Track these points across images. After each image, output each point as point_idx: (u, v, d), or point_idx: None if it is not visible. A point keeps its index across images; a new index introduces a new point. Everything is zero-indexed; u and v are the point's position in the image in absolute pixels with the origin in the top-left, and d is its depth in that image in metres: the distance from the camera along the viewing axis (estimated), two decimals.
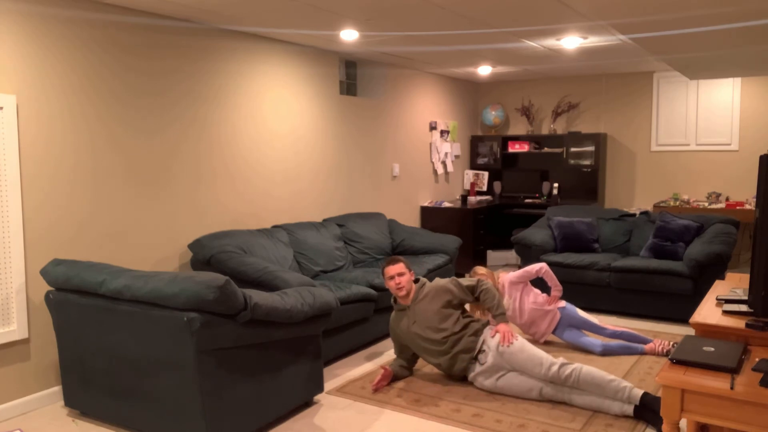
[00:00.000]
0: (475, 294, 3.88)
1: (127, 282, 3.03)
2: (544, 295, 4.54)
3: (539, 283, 5.30)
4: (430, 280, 4.67)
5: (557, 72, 7.39)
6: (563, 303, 4.51)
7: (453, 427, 3.32)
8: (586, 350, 4.41)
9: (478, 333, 3.79)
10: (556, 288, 4.48)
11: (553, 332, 4.50)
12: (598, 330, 4.44)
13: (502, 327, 3.75)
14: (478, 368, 3.75)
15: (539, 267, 4.46)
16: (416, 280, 3.96)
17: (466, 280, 3.91)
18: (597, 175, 7.42)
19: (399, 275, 3.85)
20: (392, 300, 4.02)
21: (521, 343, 3.65)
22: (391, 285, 3.87)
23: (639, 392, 3.37)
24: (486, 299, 3.85)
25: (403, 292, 3.84)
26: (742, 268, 6.77)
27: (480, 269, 4.40)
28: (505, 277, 4.51)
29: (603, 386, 3.40)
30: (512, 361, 3.63)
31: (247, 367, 3.09)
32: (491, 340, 3.73)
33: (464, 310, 3.93)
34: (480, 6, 4.01)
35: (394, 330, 3.95)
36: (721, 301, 2.79)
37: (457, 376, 3.88)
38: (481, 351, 3.75)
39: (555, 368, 3.49)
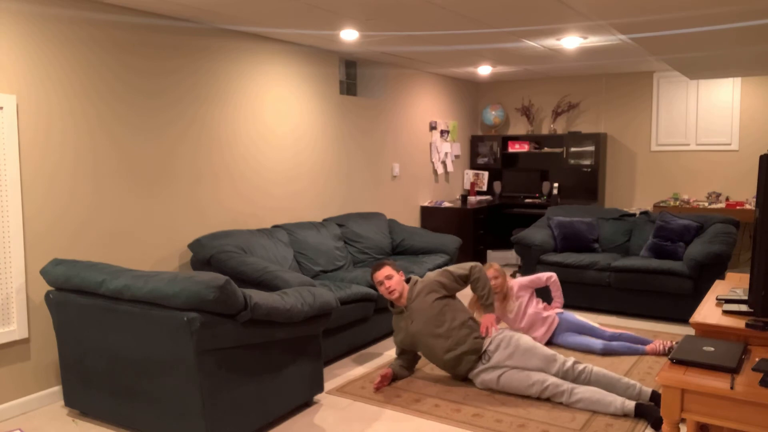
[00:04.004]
0: (467, 282, 3.89)
1: (127, 282, 3.03)
2: (545, 303, 4.60)
3: (540, 292, 5.34)
4: None
5: (557, 72, 7.39)
6: (561, 309, 4.56)
7: (453, 427, 3.32)
8: (586, 350, 4.41)
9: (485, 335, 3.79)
10: (559, 300, 4.55)
11: (552, 339, 4.51)
12: (596, 333, 4.44)
13: (487, 318, 3.77)
14: (480, 366, 3.74)
15: (549, 275, 4.52)
16: (407, 280, 3.95)
17: (458, 269, 3.89)
18: (597, 175, 7.42)
19: (387, 278, 3.83)
20: (389, 305, 4.01)
21: (533, 341, 3.68)
22: (382, 290, 3.86)
23: (648, 390, 3.47)
24: (476, 287, 3.86)
25: (395, 295, 3.83)
26: (742, 268, 6.77)
27: (488, 271, 4.40)
28: (516, 280, 4.54)
29: (614, 383, 3.50)
30: (524, 359, 3.61)
31: (247, 367, 3.09)
32: (499, 338, 3.72)
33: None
34: (480, 6, 4.01)
35: (398, 334, 3.93)
36: (721, 301, 2.79)
37: (461, 376, 3.87)
38: (485, 352, 3.75)
39: (569, 363, 3.57)
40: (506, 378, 3.64)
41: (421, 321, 3.78)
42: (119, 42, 3.99)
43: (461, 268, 3.90)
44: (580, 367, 3.56)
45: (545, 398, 3.57)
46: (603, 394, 3.42)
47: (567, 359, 3.59)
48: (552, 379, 3.53)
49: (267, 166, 5.14)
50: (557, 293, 4.54)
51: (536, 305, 4.50)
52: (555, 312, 4.50)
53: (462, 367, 3.78)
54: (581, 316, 4.55)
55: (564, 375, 3.56)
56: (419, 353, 4.06)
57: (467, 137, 8.28)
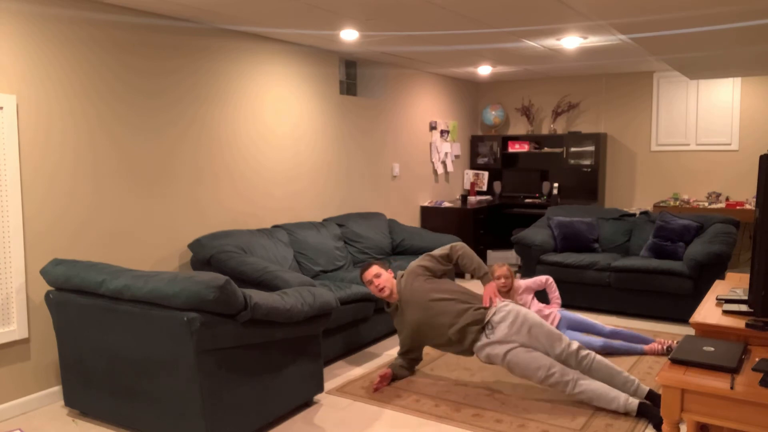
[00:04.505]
0: (452, 261, 3.88)
1: (127, 282, 3.03)
2: (544, 304, 4.67)
3: (538, 295, 5.39)
4: None
5: (557, 72, 7.39)
6: (560, 307, 4.61)
7: (453, 427, 3.32)
8: (586, 347, 4.43)
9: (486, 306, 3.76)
10: (557, 300, 4.61)
11: None
12: (597, 329, 4.48)
13: (488, 288, 3.74)
14: (484, 340, 3.63)
15: (546, 278, 4.60)
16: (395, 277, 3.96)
17: (439, 250, 3.90)
18: (597, 175, 7.42)
19: (376, 277, 3.84)
20: (384, 305, 4.01)
21: (539, 318, 3.64)
22: (372, 290, 3.85)
23: (645, 388, 3.46)
24: (465, 263, 3.83)
25: (386, 292, 3.83)
26: (742, 268, 6.77)
27: (500, 269, 4.44)
28: (522, 281, 4.58)
29: (614, 375, 3.49)
30: (532, 334, 3.56)
31: (247, 367, 3.09)
32: (505, 309, 3.67)
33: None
34: (480, 6, 4.01)
35: (401, 330, 3.92)
36: (721, 301, 2.79)
37: (467, 350, 3.74)
38: (488, 323, 3.66)
39: (574, 347, 3.53)
40: (513, 356, 3.54)
41: (416, 307, 3.76)
42: (119, 42, 3.99)
43: (442, 248, 3.91)
44: (584, 353, 3.53)
45: (549, 385, 3.49)
46: (607, 389, 3.41)
47: (572, 342, 3.55)
48: (558, 367, 3.47)
49: (267, 166, 5.14)
50: (554, 294, 4.59)
51: (538, 305, 4.56)
52: (555, 309, 4.54)
53: (467, 340, 3.66)
54: (581, 316, 4.61)
55: (567, 358, 3.52)
56: (422, 354, 4.07)
57: (467, 137, 8.28)
